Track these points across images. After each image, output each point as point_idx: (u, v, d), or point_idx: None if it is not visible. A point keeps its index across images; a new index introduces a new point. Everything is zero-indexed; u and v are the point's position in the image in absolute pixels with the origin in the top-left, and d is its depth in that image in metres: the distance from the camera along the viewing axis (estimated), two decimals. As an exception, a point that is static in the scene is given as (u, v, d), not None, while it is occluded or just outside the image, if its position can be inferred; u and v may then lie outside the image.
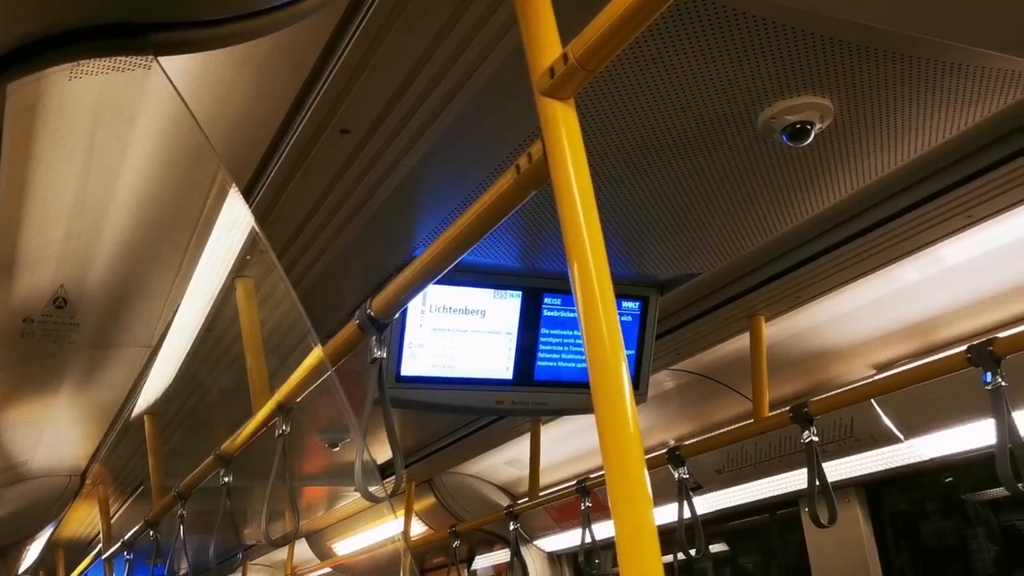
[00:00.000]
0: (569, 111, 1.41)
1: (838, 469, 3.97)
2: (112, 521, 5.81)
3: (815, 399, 3.32)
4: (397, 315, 2.15)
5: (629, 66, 1.98)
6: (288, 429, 2.64)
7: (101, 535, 5.74)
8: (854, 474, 4.02)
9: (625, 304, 3.30)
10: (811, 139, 2.25)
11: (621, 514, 1.20)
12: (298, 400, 2.62)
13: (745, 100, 2.15)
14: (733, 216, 2.80)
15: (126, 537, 4.86)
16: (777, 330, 3.71)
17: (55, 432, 4.53)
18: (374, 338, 2.10)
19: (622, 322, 3.35)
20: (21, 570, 7.52)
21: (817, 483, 3.25)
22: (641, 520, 1.19)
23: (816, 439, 3.26)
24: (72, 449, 4.90)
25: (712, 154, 2.39)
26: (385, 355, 2.09)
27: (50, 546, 7.36)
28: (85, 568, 6.92)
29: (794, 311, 3.57)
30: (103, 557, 5.48)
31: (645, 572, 1.16)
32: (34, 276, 2.70)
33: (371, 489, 2.10)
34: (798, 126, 2.21)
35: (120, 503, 6.03)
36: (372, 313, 2.08)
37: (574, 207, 1.35)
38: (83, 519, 6.76)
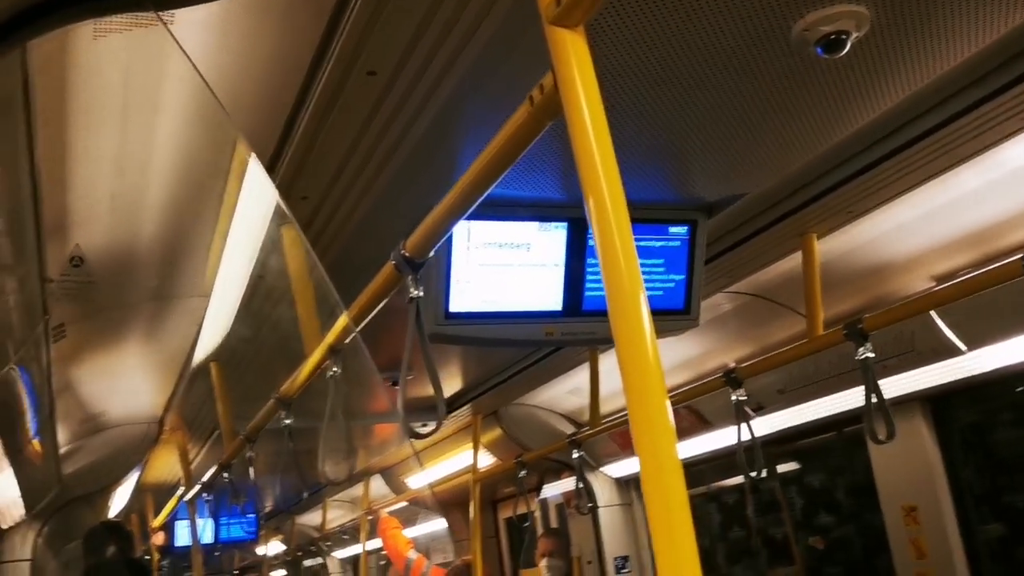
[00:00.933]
0: (578, 38, 1.38)
1: (900, 384, 3.92)
2: (193, 465, 6.03)
3: (869, 315, 3.26)
4: (433, 253, 2.16)
5: (650, -14, 1.93)
6: (339, 370, 2.69)
7: (183, 478, 5.97)
8: (917, 388, 3.96)
9: (672, 229, 3.26)
10: (848, 49, 2.17)
11: (644, 448, 1.20)
12: (346, 341, 2.66)
13: (776, 13, 2.08)
14: (776, 133, 2.73)
15: (204, 479, 5.04)
16: (831, 247, 3.64)
17: (129, 382, 4.69)
18: (410, 277, 2.11)
19: (670, 247, 3.32)
20: (113, 513, 7.88)
21: (874, 399, 3.22)
22: (663, 453, 1.18)
23: (872, 355, 3.21)
24: (148, 398, 5.07)
25: (747, 71, 2.33)
26: (422, 294, 2.11)
27: (137, 490, 7.69)
28: (171, 510, 7.22)
29: (847, 226, 3.49)
30: (185, 499, 5.70)
31: (669, 505, 1.16)
32: (86, 235, 2.77)
33: (417, 427, 2.14)
34: (832, 37, 2.13)
35: (198, 448, 6.25)
36: (406, 253, 2.09)
37: (587, 138, 1.33)
38: (166, 464, 7.03)
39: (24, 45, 1.36)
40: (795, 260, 3.79)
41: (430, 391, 2.16)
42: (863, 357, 3.19)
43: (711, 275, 3.57)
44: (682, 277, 3.31)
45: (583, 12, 1.36)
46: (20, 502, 4.95)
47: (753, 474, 3.77)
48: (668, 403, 1.22)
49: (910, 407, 4.05)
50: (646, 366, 1.23)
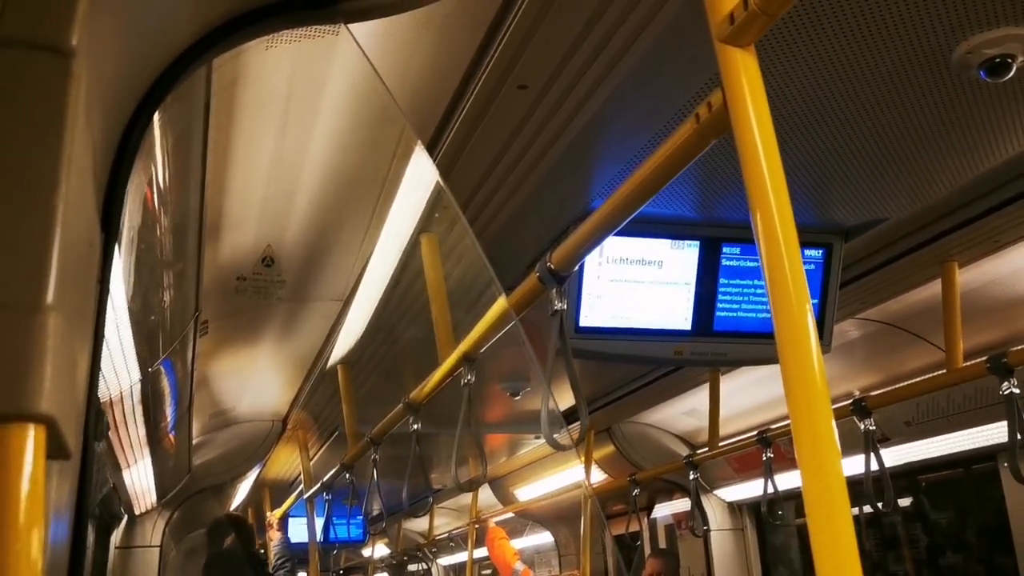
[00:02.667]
0: (750, 58, 1.39)
1: (1040, 422, 3.75)
2: (311, 464, 6.20)
3: (1015, 349, 3.14)
4: (575, 268, 2.19)
5: (812, 7, 1.92)
6: (473, 378, 2.74)
7: (302, 476, 6.14)
8: (1059, 428, 3.78)
9: (808, 252, 3.22)
10: (1012, 73, 2.11)
11: (809, 466, 1.19)
12: (482, 351, 2.71)
13: (939, 35, 2.04)
14: (925, 157, 2.67)
15: (324, 478, 5.17)
16: (970, 277, 3.52)
17: (259, 380, 4.86)
18: (554, 290, 2.14)
19: (804, 271, 3.27)
20: (233, 506, 8.15)
21: (1019, 436, 3.09)
22: (830, 472, 1.17)
23: (1017, 391, 3.09)
24: (274, 396, 5.25)
25: (901, 95, 2.29)
26: (565, 307, 2.13)
27: (258, 485, 7.94)
28: (290, 506, 7.43)
29: (991, 256, 3.38)
30: (305, 496, 5.86)
31: (834, 525, 1.15)
32: (238, 236, 2.90)
33: (556, 437, 2.17)
34: (997, 60, 2.08)
35: (318, 447, 6.42)
36: (552, 266, 2.12)
37: (756, 157, 1.34)
38: (285, 461, 7.25)
39: (211, 62, 1.45)
40: (927, 290, 3.69)
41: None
42: (1008, 392, 3.07)
43: (843, 300, 3.49)
44: (816, 301, 3.26)
45: (755, 32, 1.36)
46: (153, 490, 5.17)
47: (880, 505, 3.66)
48: (833, 423, 1.21)
49: (1051, 447, 3.86)
50: (813, 385, 1.22)
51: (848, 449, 3.76)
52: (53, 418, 0.76)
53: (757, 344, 3.21)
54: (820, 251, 3.24)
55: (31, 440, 0.74)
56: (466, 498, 8.27)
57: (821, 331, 3.28)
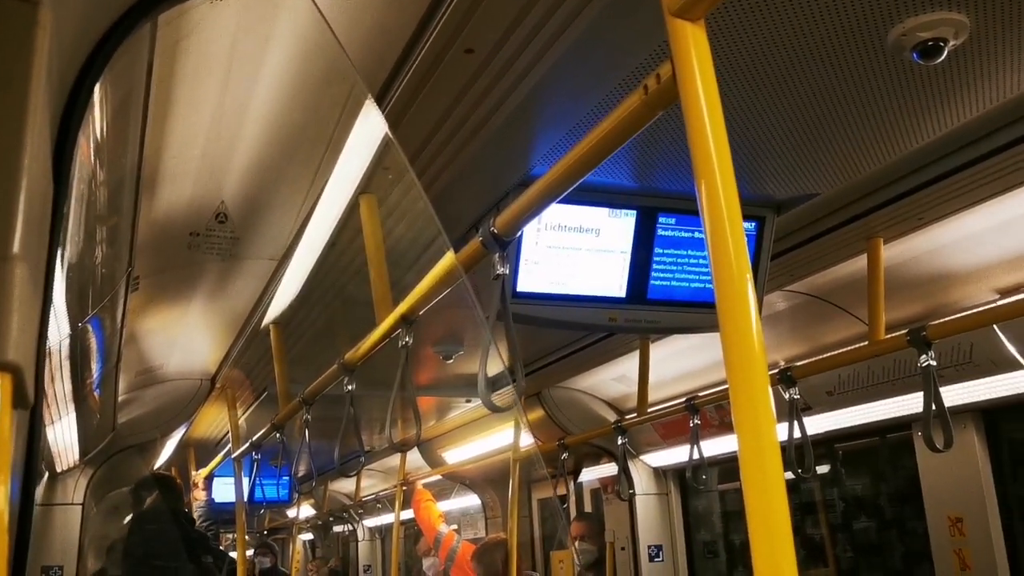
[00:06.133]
0: (699, 31, 1.42)
1: (955, 394, 3.91)
2: (239, 423, 6.15)
3: (934, 323, 3.27)
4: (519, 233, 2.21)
5: (758, -17, 1.95)
6: (411, 340, 2.75)
7: (230, 436, 6.09)
8: (972, 400, 3.95)
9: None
10: (943, 57, 2.18)
11: (745, 429, 1.23)
12: (421, 312, 2.72)
13: (876, 17, 2.10)
14: (856, 134, 2.74)
15: (254, 438, 5.14)
16: (895, 252, 3.64)
17: (188, 338, 4.79)
18: (497, 255, 2.16)
19: (741, 241, 3.34)
20: (158, 465, 8.05)
21: (933, 407, 3.22)
22: (764, 435, 1.22)
23: (934, 363, 3.22)
24: (203, 355, 5.18)
25: (838, 73, 2.35)
26: (507, 272, 2.16)
27: (183, 444, 7.86)
28: (216, 465, 7.37)
29: (915, 233, 3.49)
30: (232, 456, 5.82)
31: (768, 489, 1.20)
32: (176, 191, 2.85)
33: (492, 399, 2.19)
34: (930, 43, 2.15)
35: (246, 407, 6.37)
36: (495, 231, 2.14)
37: (703, 129, 1.37)
38: (212, 420, 7.18)
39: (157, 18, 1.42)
40: (853, 264, 3.80)
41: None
42: (925, 364, 3.20)
43: (772, 272, 3.58)
44: (747, 272, 3.33)
45: (706, 6, 1.39)
46: (76, 448, 5.08)
47: (800, 471, 3.79)
48: (769, 389, 1.26)
49: (962, 418, 4.04)
50: (751, 353, 1.26)
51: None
52: (19, 367, 0.75)
53: (689, 312, 3.28)
54: (753, 224, 3.31)
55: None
56: (394, 460, 8.31)
57: (751, 301, 3.35)
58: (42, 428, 1.01)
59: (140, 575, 5.87)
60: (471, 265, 2.32)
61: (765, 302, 3.69)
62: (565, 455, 5.90)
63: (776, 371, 3.93)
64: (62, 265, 2.01)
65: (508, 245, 2.16)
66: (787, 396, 3.84)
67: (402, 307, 2.76)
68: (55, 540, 5.95)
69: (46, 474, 5.76)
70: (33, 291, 0.84)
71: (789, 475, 3.93)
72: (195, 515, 7.25)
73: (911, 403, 4.06)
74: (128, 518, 6.29)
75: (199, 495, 7.51)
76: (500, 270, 2.16)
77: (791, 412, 3.80)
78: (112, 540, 6.17)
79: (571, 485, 7.15)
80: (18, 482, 1.02)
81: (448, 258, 2.42)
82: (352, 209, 3.10)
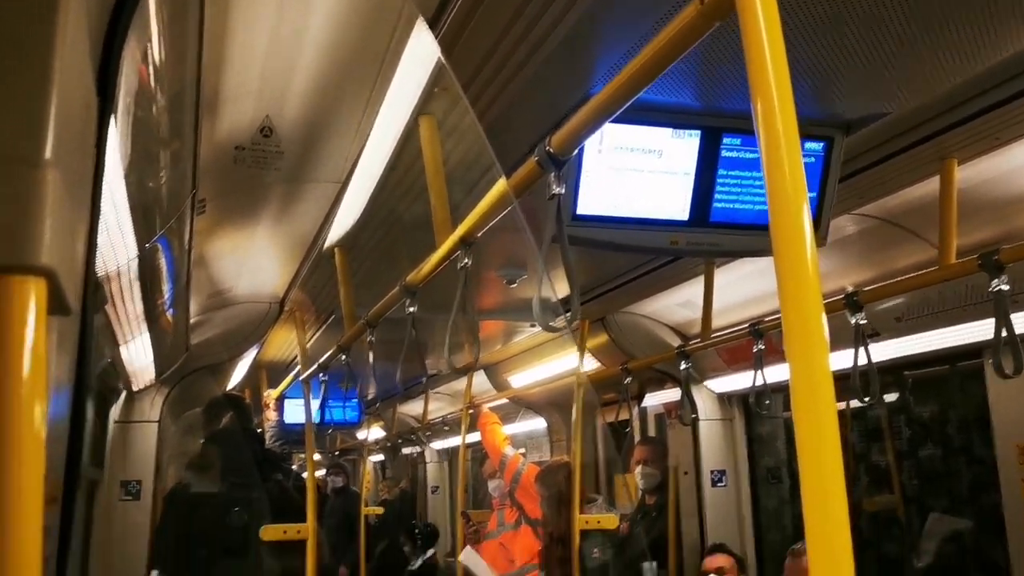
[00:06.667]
0: (758, -63, 1.36)
1: (1028, 320, 3.80)
2: (308, 346, 6.28)
3: (1007, 246, 3.16)
4: (575, 153, 2.18)
5: None
6: (470, 262, 2.76)
7: (299, 357, 6.23)
8: (1047, 326, 3.83)
9: (808, 145, 3.19)
10: (1026, -38, 2.07)
11: (797, 358, 1.20)
12: (479, 235, 2.72)
13: (953, -79, 1.99)
14: (930, 49, 2.63)
15: (321, 360, 5.25)
16: (969, 174, 3.51)
17: (256, 262, 4.88)
18: (553, 174, 2.14)
19: (804, 164, 3.25)
20: (230, 386, 8.29)
21: (1004, 333, 3.14)
22: (817, 366, 1.19)
23: (1006, 288, 3.12)
24: (271, 278, 5.28)
25: (911, -17, 2.24)
26: (564, 192, 2.13)
27: (255, 366, 8.07)
28: (286, 387, 7.56)
29: (990, 154, 3.36)
30: (301, 378, 5.96)
31: (819, 418, 1.17)
32: (236, 111, 2.87)
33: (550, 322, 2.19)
34: (1011, -51, 2.03)
35: (315, 329, 6.50)
36: (551, 150, 2.11)
37: (760, 42, 1.32)
38: (282, 343, 7.35)
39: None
40: (925, 187, 3.68)
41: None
42: (996, 289, 3.10)
43: (841, 195, 3.49)
44: (814, 195, 3.25)
45: (764, -89, 1.33)
46: (152, 368, 5.25)
47: (867, 399, 3.74)
48: (824, 317, 1.23)
49: (1037, 345, 3.92)
50: (805, 278, 1.23)
51: (839, 343, 3.84)
52: (53, 271, 0.77)
53: (753, 236, 3.22)
54: (821, 144, 3.21)
55: (32, 292, 0.75)
56: (460, 384, 8.42)
57: (818, 225, 3.28)
58: (92, 340, 1.03)
59: (215, 493, 6.08)
60: (528, 185, 2.30)
61: (833, 226, 3.60)
62: (628, 379, 5.91)
63: (842, 296, 3.85)
64: (125, 185, 2.05)
65: (564, 165, 2.13)
66: (853, 321, 3.77)
67: (460, 230, 2.76)
68: (134, 456, 6.20)
69: (123, 393, 5.98)
70: (70, 199, 0.86)
71: (855, 402, 3.90)
72: (266, 435, 7.47)
73: (983, 330, 3.96)
74: (202, 437, 6.51)
75: (270, 415, 7.73)
76: (556, 190, 2.14)
77: (856, 338, 3.73)
78: (188, 457, 6.39)
79: (635, 410, 7.18)
80: (67, 394, 1.06)
81: (500, 184, 2.40)
82: (412, 130, 3.09)
